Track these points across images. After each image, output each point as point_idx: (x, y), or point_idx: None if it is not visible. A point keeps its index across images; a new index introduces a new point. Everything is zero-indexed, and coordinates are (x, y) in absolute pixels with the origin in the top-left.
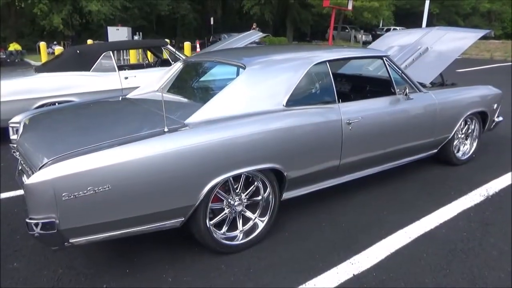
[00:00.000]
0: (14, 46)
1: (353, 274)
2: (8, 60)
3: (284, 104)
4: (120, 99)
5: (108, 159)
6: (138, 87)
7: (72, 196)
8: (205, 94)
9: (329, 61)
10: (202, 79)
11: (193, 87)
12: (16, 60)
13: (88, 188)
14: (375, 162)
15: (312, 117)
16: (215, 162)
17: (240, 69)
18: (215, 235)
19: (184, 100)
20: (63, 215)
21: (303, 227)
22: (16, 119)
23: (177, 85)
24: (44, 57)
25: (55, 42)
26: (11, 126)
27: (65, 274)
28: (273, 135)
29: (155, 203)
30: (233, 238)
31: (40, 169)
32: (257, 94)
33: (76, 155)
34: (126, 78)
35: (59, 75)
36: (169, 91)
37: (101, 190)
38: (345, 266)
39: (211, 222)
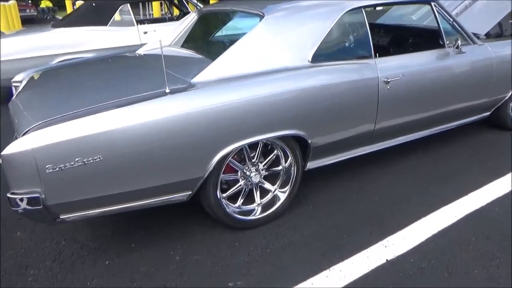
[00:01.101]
0: (45, 3)
1: (387, 259)
2: (38, 17)
3: (310, 60)
4: (137, 54)
5: (98, 126)
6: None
7: (57, 169)
8: (217, 48)
9: (365, 7)
10: (215, 31)
11: (205, 40)
12: (47, 17)
13: (76, 159)
14: (416, 127)
15: (343, 75)
16: (226, 129)
17: (259, 18)
18: (227, 209)
19: (195, 55)
20: (49, 190)
21: (329, 199)
22: (18, 77)
23: (189, 39)
24: None
25: None
26: (14, 86)
27: (68, 247)
28: (295, 96)
29: (155, 176)
30: (249, 213)
31: (22, 136)
32: (277, 47)
33: (61, 121)
34: (146, 32)
35: (75, 30)
36: (182, 45)
37: (91, 161)
38: (377, 248)
39: (224, 194)
